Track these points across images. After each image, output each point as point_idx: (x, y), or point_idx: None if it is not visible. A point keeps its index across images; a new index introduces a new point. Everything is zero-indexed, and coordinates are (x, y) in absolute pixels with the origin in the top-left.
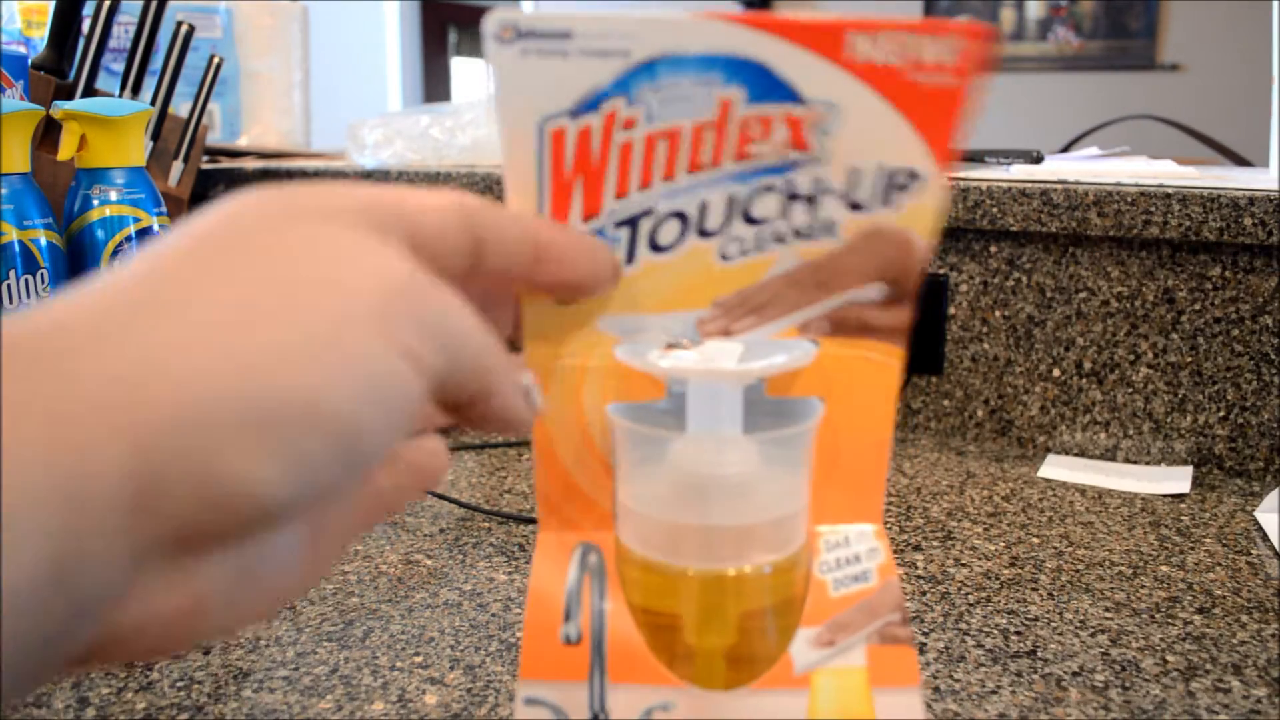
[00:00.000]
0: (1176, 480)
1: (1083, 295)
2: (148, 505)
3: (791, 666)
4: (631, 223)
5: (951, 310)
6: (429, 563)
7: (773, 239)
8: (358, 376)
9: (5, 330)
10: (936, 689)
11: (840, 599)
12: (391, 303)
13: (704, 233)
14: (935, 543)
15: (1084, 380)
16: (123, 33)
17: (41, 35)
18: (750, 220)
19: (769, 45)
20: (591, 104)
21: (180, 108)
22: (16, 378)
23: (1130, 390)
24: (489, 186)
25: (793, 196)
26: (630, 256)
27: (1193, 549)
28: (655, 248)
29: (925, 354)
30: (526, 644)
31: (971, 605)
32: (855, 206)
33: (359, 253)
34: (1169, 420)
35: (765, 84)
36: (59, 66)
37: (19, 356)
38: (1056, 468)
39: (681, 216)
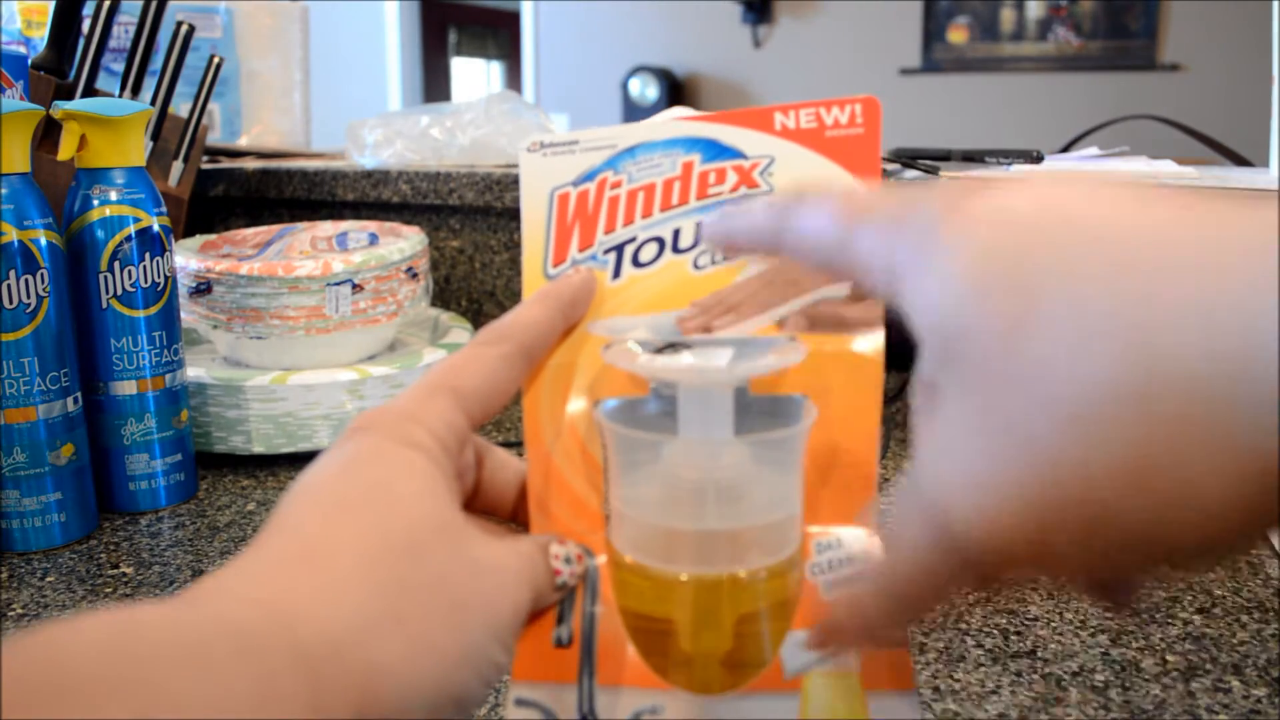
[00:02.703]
0: None
1: None
2: None
3: (781, 669)
4: (618, 248)
5: None
6: None
7: None
8: (490, 676)
9: (287, 640)
10: (936, 689)
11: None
12: (512, 621)
13: (678, 250)
14: None
15: None
16: (123, 33)
17: (41, 35)
18: None
19: (716, 129)
20: (589, 176)
21: (180, 108)
22: (282, 670)
23: None
24: (488, 186)
25: None
26: (617, 272)
27: None
28: (638, 264)
29: None
30: (519, 645)
31: (971, 605)
32: None
33: (493, 581)
34: None
35: (716, 150)
36: (59, 66)
37: (293, 654)
38: None
39: (659, 240)
